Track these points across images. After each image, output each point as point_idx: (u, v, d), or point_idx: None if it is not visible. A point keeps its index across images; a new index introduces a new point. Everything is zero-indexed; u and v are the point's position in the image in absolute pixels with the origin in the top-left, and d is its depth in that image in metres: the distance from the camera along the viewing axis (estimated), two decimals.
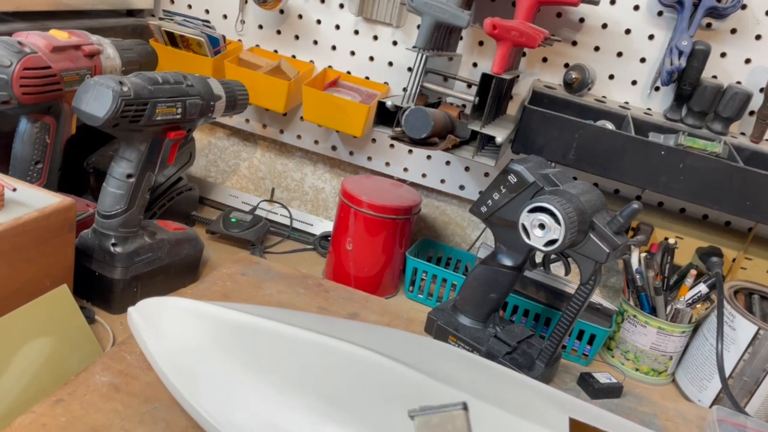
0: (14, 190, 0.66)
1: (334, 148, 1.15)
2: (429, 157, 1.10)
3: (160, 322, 0.67)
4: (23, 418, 0.59)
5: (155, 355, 0.65)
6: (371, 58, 1.07)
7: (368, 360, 0.62)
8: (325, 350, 0.63)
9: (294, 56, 1.12)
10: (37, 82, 0.73)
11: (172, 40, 1.04)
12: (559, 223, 0.69)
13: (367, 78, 1.09)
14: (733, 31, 0.91)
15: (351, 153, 1.15)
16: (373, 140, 1.12)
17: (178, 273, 0.89)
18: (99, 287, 0.80)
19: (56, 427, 0.59)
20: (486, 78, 0.77)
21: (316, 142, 1.16)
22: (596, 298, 0.97)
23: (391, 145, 1.12)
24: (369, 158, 1.14)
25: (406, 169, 1.12)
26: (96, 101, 0.70)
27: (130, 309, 0.70)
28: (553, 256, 0.79)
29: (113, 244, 0.79)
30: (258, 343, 0.63)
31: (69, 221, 0.70)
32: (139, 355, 0.70)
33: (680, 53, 0.86)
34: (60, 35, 0.78)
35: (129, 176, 0.78)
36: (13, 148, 0.79)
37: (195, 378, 0.61)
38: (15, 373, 0.62)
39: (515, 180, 0.76)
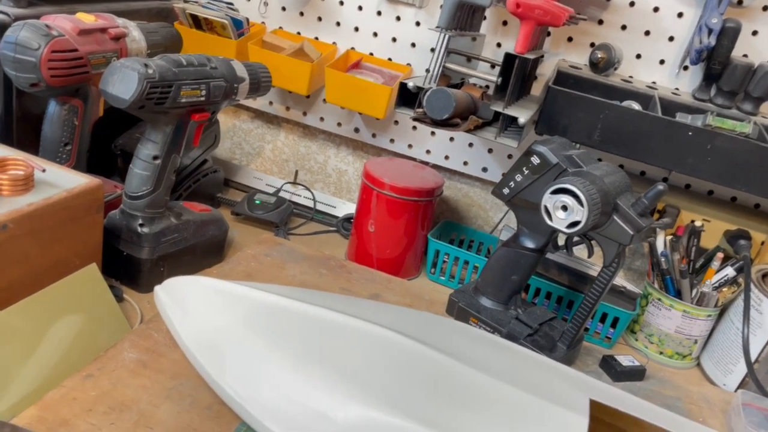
0: (44, 170, 0.67)
1: (356, 130, 1.15)
2: (452, 139, 1.10)
3: (186, 301, 0.69)
4: (54, 392, 0.61)
5: (181, 332, 0.66)
6: (394, 39, 1.07)
7: (391, 340, 0.62)
8: (349, 330, 0.63)
9: (317, 38, 1.12)
10: (64, 65, 0.74)
11: (197, 22, 1.05)
12: (582, 205, 0.68)
13: (390, 59, 1.08)
14: (765, 8, 0.88)
15: (374, 135, 1.15)
16: (396, 122, 1.12)
17: (203, 253, 0.90)
18: (127, 266, 0.81)
19: (86, 401, 0.61)
20: (509, 58, 0.76)
21: (339, 124, 1.16)
22: (620, 281, 0.96)
23: (414, 127, 1.11)
24: (392, 140, 1.14)
25: (428, 151, 1.12)
26: (122, 83, 0.71)
27: (157, 287, 0.72)
28: (575, 238, 0.79)
29: (140, 225, 0.81)
30: (283, 323, 0.64)
31: (97, 201, 0.72)
32: (165, 333, 0.72)
33: (710, 31, 0.84)
34: (87, 18, 0.79)
35: (155, 158, 0.79)
36: (43, 130, 0.81)
37: (220, 355, 0.63)
38: (46, 349, 0.64)
39: (538, 161, 0.76)
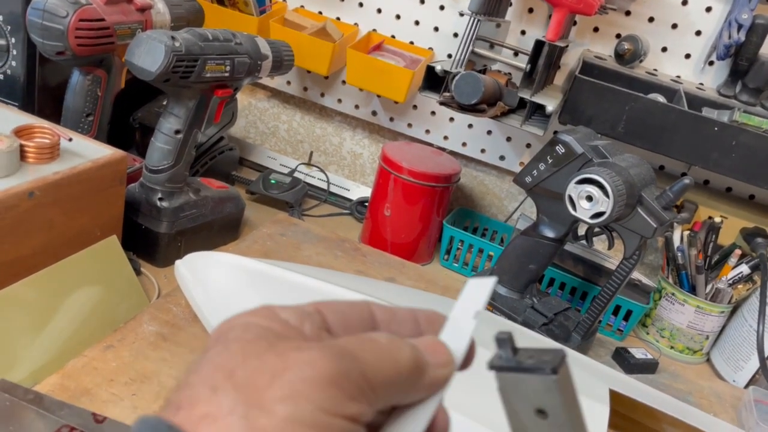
0: (70, 140, 0.67)
1: (374, 113, 1.15)
2: (470, 125, 1.09)
3: (207, 276, 0.69)
4: (76, 361, 0.61)
5: (203, 307, 0.66)
6: (417, 23, 1.06)
7: None
8: None
9: (338, 18, 1.11)
10: (91, 34, 0.74)
11: None
12: (607, 196, 0.68)
13: (412, 43, 1.07)
14: None
15: (391, 119, 1.14)
16: (414, 107, 1.11)
17: (220, 230, 0.90)
18: (145, 240, 0.81)
19: (107, 371, 0.61)
20: (539, 44, 0.76)
21: (357, 106, 1.15)
22: (635, 274, 0.96)
23: (432, 113, 1.11)
24: (409, 125, 1.13)
25: (446, 137, 1.11)
26: (148, 55, 0.70)
27: (178, 262, 0.72)
28: (597, 229, 0.79)
29: (160, 199, 0.80)
30: (304, 300, 0.63)
31: (120, 173, 0.72)
32: (184, 307, 0.72)
33: (739, 27, 0.84)
34: None
35: (177, 132, 0.79)
36: (65, 99, 0.80)
37: None
38: (66, 317, 0.64)
39: (563, 151, 0.75)
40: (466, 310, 0.27)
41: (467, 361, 0.27)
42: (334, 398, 0.21)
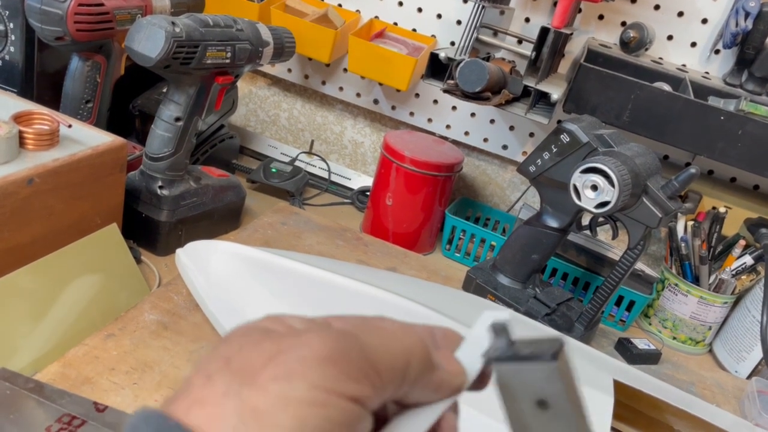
0: (70, 126, 0.66)
1: (376, 101, 1.14)
2: (473, 114, 1.08)
3: (209, 264, 0.68)
4: (77, 350, 0.61)
5: (204, 295, 0.66)
6: (419, 10, 1.05)
7: (413, 311, 0.62)
8: (370, 300, 0.63)
9: (340, 5, 1.09)
10: (90, 19, 0.73)
11: None
12: (612, 185, 0.67)
13: (414, 30, 1.06)
14: None
15: (393, 107, 1.13)
16: (417, 95, 1.10)
17: (221, 219, 0.89)
18: (145, 229, 0.80)
19: (108, 359, 0.60)
20: (544, 31, 0.75)
21: (358, 94, 1.14)
22: (638, 264, 0.96)
23: (435, 101, 1.10)
24: (411, 113, 1.12)
25: (448, 126, 1.11)
26: (148, 41, 0.69)
27: (179, 251, 0.71)
28: (601, 219, 0.78)
29: (160, 187, 0.80)
30: (308, 290, 0.63)
31: (120, 161, 0.71)
32: (185, 296, 0.71)
33: (747, 14, 0.83)
34: None
35: (177, 119, 0.78)
36: (65, 86, 0.79)
37: (244, 319, 0.62)
38: (66, 306, 0.64)
39: (568, 139, 0.74)
40: (483, 333, 0.27)
41: (482, 382, 0.27)
42: (332, 376, 0.21)
